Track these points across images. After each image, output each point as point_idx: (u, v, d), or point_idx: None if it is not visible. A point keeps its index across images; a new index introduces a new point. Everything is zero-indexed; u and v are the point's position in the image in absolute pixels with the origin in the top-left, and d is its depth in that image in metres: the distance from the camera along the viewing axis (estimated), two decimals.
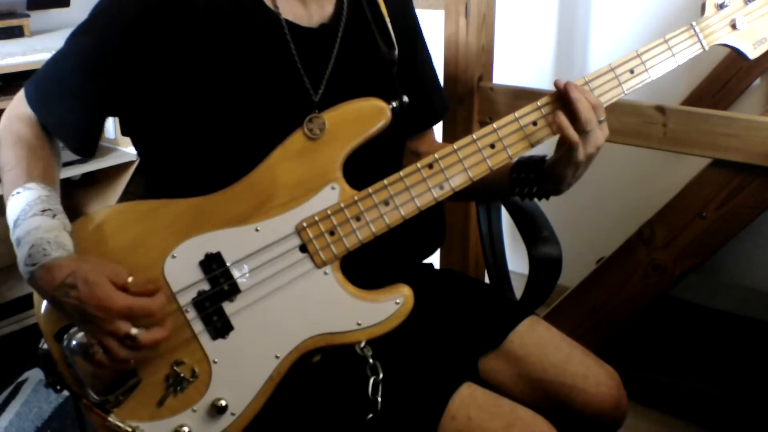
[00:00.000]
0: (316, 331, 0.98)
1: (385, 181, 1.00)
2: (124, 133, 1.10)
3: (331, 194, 0.99)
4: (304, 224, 0.98)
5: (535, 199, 1.16)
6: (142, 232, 0.97)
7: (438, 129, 1.39)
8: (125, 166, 2.41)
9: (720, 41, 1.10)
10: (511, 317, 1.17)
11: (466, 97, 1.81)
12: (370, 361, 0.98)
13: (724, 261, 2.10)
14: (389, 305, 0.99)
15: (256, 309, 0.98)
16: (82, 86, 1.02)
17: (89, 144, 1.06)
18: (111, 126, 2.33)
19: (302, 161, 0.99)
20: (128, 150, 2.37)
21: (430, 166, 1.01)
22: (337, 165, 0.99)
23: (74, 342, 0.91)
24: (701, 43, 1.08)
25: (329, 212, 0.99)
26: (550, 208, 1.29)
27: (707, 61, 2.05)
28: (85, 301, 0.86)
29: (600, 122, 1.03)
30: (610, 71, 1.05)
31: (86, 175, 2.43)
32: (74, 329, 0.92)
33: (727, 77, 2.03)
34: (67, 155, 1.15)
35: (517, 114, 1.03)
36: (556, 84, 1.02)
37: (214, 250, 0.97)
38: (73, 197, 2.52)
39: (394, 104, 1.05)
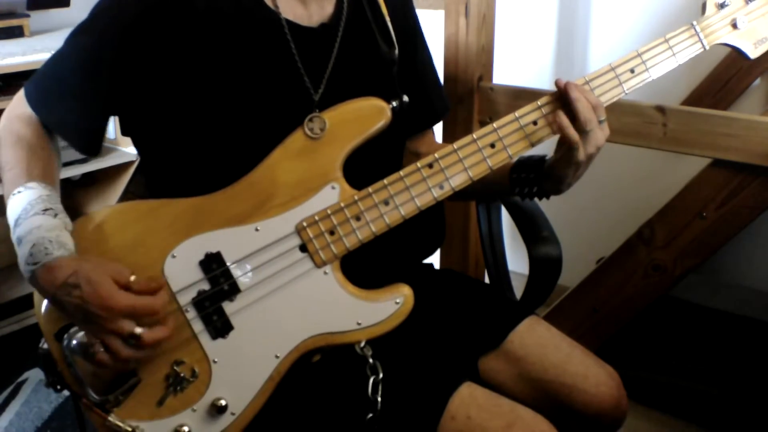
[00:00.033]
0: (316, 331, 0.98)
1: (385, 181, 1.00)
2: (124, 133, 1.10)
3: (331, 194, 0.99)
4: (304, 224, 0.98)
5: (536, 199, 1.16)
6: (142, 231, 0.97)
7: (438, 129, 1.39)
8: (125, 166, 2.41)
9: (721, 41, 1.10)
10: (511, 317, 1.17)
11: (466, 97, 1.81)
12: (370, 360, 0.98)
13: (724, 261, 2.10)
14: (389, 305, 0.99)
15: (256, 309, 0.98)
16: (82, 86, 1.02)
17: (93, 143, 1.06)
18: (111, 126, 2.32)
19: (302, 161, 0.99)
20: (128, 150, 2.37)
21: (430, 165, 1.01)
22: (337, 164, 0.99)
23: (74, 341, 0.91)
24: (702, 43, 1.08)
25: (329, 212, 0.99)
26: (550, 208, 1.29)
27: (707, 61, 2.05)
28: (88, 301, 0.86)
29: (600, 122, 1.03)
30: (611, 71, 1.05)
31: (86, 175, 2.42)
32: (74, 329, 0.92)
33: (727, 77, 2.03)
34: (67, 155, 1.15)
35: (517, 113, 1.03)
36: (556, 83, 1.02)
37: (214, 250, 0.97)
38: (73, 197, 2.52)
39: (394, 104, 1.05)
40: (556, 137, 1.04)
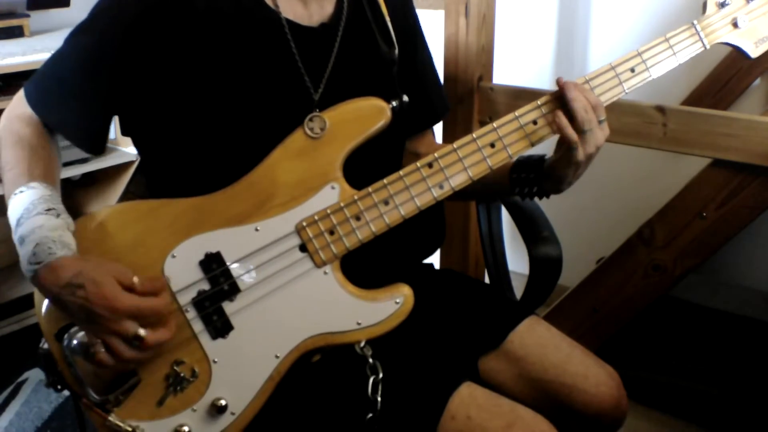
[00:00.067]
0: (316, 331, 0.98)
1: (385, 181, 1.00)
2: (124, 133, 1.10)
3: (331, 194, 0.99)
4: (304, 224, 0.98)
5: (536, 199, 1.16)
6: (142, 231, 0.97)
7: (438, 129, 1.39)
8: (125, 166, 2.41)
9: (721, 40, 1.10)
10: (511, 317, 1.17)
11: (466, 97, 1.80)
12: (370, 360, 0.98)
13: (724, 261, 2.10)
14: (389, 305, 0.99)
15: (255, 309, 0.98)
16: (82, 86, 1.02)
17: (97, 142, 1.06)
18: (111, 126, 2.33)
19: (302, 160, 0.99)
20: (128, 150, 2.37)
21: (430, 165, 1.01)
22: (337, 164, 0.99)
23: (75, 341, 0.91)
24: (702, 42, 1.08)
25: (329, 211, 0.99)
26: (550, 208, 1.29)
27: (707, 60, 2.05)
28: (92, 301, 0.86)
29: (600, 122, 1.03)
30: (611, 70, 1.05)
31: (86, 175, 2.42)
32: (75, 329, 0.92)
33: (728, 77, 2.03)
34: (67, 155, 1.15)
35: (517, 113, 1.03)
36: (558, 82, 1.02)
37: (214, 250, 0.97)
38: (73, 197, 2.52)
39: (394, 104, 1.05)
40: (557, 137, 1.04)
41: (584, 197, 2.24)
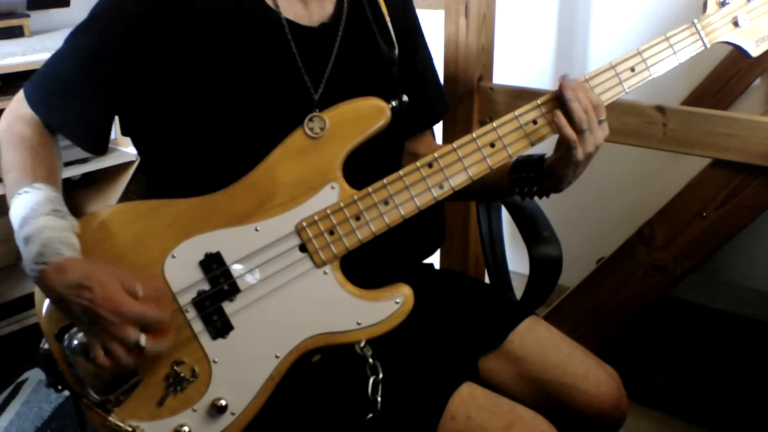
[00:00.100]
0: (316, 331, 0.98)
1: (385, 181, 1.00)
2: (124, 133, 1.10)
3: (331, 194, 0.99)
4: (304, 224, 0.98)
5: (536, 198, 1.16)
6: (142, 231, 0.97)
7: (438, 129, 1.39)
8: (125, 166, 2.41)
9: (722, 39, 1.10)
10: (511, 317, 1.17)
11: (466, 97, 1.80)
12: (370, 360, 0.98)
13: (724, 261, 2.10)
14: (389, 305, 0.99)
15: (255, 309, 0.98)
16: (82, 86, 1.02)
17: (98, 142, 1.06)
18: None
19: (302, 160, 0.99)
20: (128, 150, 2.37)
21: (430, 165, 1.01)
22: (337, 164, 0.99)
23: (75, 342, 0.91)
24: (703, 41, 1.08)
25: (329, 211, 0.99)
26: (550, 208, 1.29)
27: (707, 60, 2.05)
28: (99, 304, 0.85)
29: (600, 122, 1.03)
30: (611, 69, 1.05)
31: (86, 175, 2.42)
32: (75, 329, 0.92)
33: (728, 77, 2.03)
34: (67, 155, 1.15)
35: (516, 112, 1.03)
36: (559, 81, 1.02)
37: (213, 250, 0.97)
38: (73, 197, 2.52)
39: (394, 103, 1.05)
40: (557, 136, 1.04)
41: (584, 197, 2.24)
